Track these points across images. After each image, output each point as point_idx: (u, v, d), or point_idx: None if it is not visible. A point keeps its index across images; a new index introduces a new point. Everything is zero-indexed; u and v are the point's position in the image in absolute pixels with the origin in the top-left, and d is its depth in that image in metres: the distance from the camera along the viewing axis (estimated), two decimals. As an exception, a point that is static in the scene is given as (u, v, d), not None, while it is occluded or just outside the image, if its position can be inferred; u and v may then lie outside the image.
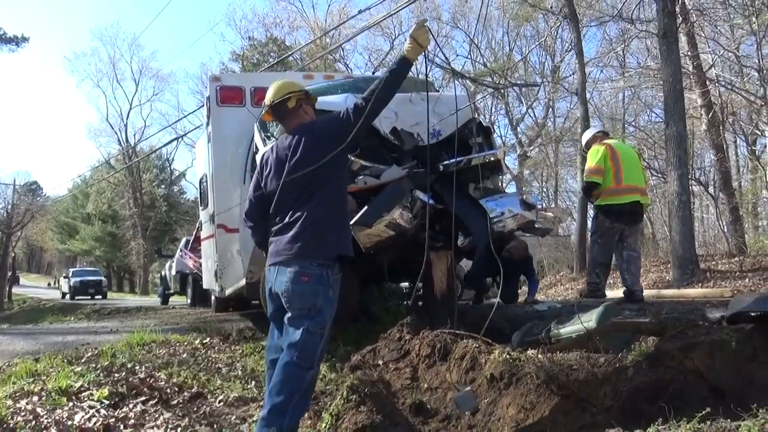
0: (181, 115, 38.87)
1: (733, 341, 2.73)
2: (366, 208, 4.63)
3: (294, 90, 3.27)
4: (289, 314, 2.97)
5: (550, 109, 27.12)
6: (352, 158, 4.71)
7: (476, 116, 6.98)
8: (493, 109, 27.91)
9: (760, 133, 18.04)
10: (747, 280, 9.43)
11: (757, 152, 19.15)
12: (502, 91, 22.67)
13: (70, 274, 28.96)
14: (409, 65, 3.05)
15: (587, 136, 6.85)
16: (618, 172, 6.03)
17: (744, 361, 2.68)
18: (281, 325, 3.06)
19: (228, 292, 7.32)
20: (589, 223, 6.76)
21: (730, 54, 16.98)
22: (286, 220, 3.05)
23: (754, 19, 14.95)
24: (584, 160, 13.52)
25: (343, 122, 3.02)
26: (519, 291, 7.37)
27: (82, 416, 3.48)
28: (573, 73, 20.80)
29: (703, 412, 2.36)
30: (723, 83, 16.90)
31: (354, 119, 2.99)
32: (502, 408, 3.17)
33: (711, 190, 19.26)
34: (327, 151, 2.96)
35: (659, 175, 19.16)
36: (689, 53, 15.15)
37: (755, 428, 2.08)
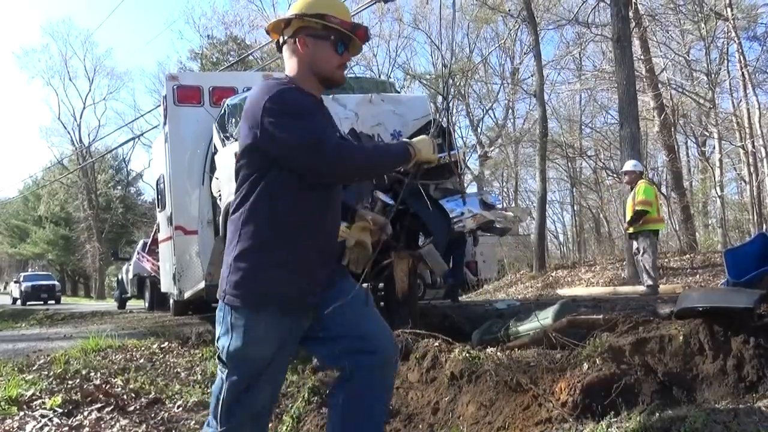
0: (137, 115, 38.17)
1: (681, 336, 2.83)
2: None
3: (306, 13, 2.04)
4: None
5: (510, 111, 27.61)
6: None
7: (436, 117, 7.04)
8: (454, 110, 28.22)
9: (708, 135, 18.73)
10: (698, 276, 9.81)
11: (706, 153, 19.88)
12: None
13: (21, 279, 27.92)
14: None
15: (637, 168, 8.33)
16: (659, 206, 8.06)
17: (691, 355, 2.78)
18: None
19: (187, 295, 7.20)
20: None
21: (680, 58, 17.62)
22: None
23: (702, 24, 15.56)
24: (542, 159, 13.67)
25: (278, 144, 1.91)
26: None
27: (34, 425, 3.38)
28: (531, 75, 21.21)
29: (653, 405, 2.45)
30: (674, 86, 17.52)
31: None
32: (462, 406, 3.21)
33: (663, 189, 19.91)
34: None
35: (614, 175, 19.71)
36: (642, 57, 15.64)
37: (700, 419, 2.16)
